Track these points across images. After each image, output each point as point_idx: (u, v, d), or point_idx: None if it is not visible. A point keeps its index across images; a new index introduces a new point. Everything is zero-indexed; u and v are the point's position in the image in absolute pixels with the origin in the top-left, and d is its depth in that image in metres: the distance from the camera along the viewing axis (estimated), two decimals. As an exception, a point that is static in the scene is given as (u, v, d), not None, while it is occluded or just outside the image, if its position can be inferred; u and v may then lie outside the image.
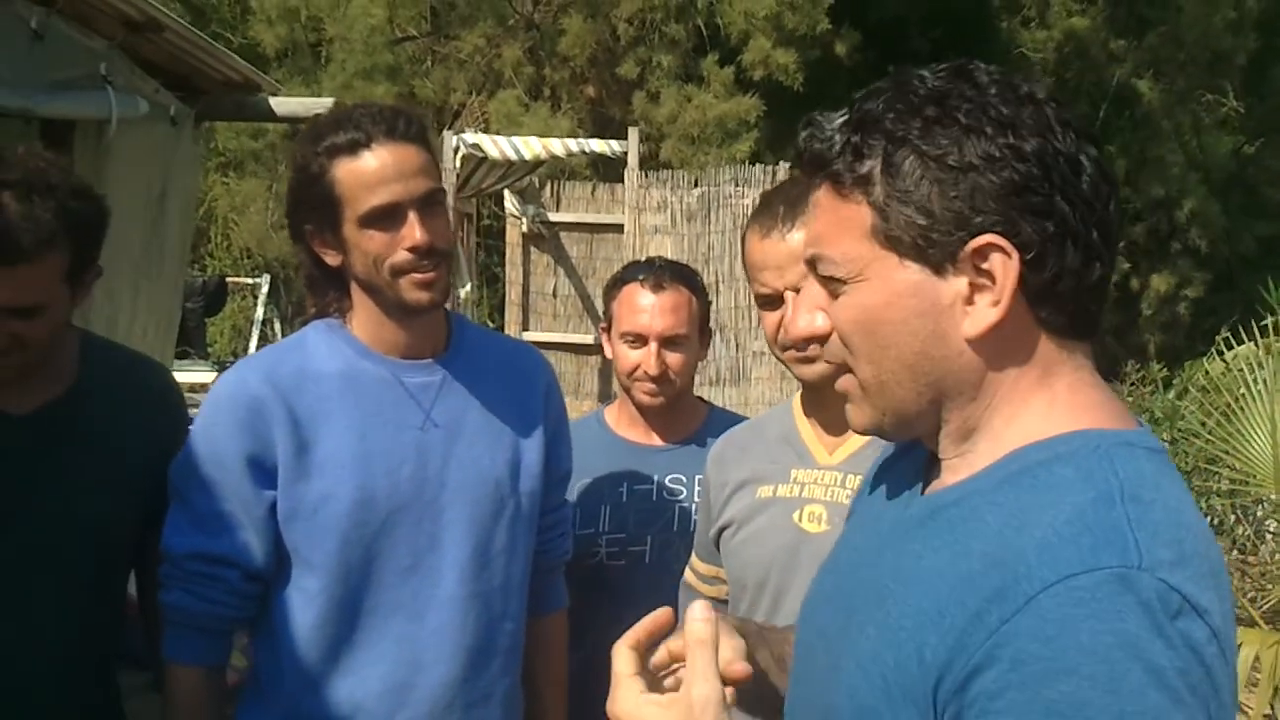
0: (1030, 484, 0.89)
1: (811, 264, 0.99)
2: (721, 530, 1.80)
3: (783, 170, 6.78)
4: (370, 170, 1.64)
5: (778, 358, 1.74)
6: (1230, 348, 7.51)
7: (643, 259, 2.35)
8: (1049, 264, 0.89)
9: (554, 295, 7.44)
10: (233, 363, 10.70)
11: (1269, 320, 7.55)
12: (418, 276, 1.66)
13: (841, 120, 0.95)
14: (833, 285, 0.97)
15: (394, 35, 11.58)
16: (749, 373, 6.72)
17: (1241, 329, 7.05)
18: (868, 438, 1.67)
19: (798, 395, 1.82)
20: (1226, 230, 13.06)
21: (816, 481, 1.70)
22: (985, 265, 0.90)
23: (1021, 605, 0.82)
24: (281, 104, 4.73)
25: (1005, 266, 0.89)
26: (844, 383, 1.00)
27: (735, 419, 2.37)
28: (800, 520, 1.69)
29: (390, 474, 1.70)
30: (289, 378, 1.71)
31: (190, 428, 1.79)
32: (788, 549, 1.68)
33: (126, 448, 1.82)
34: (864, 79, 12.45)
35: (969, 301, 0.91)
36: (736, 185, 6.79)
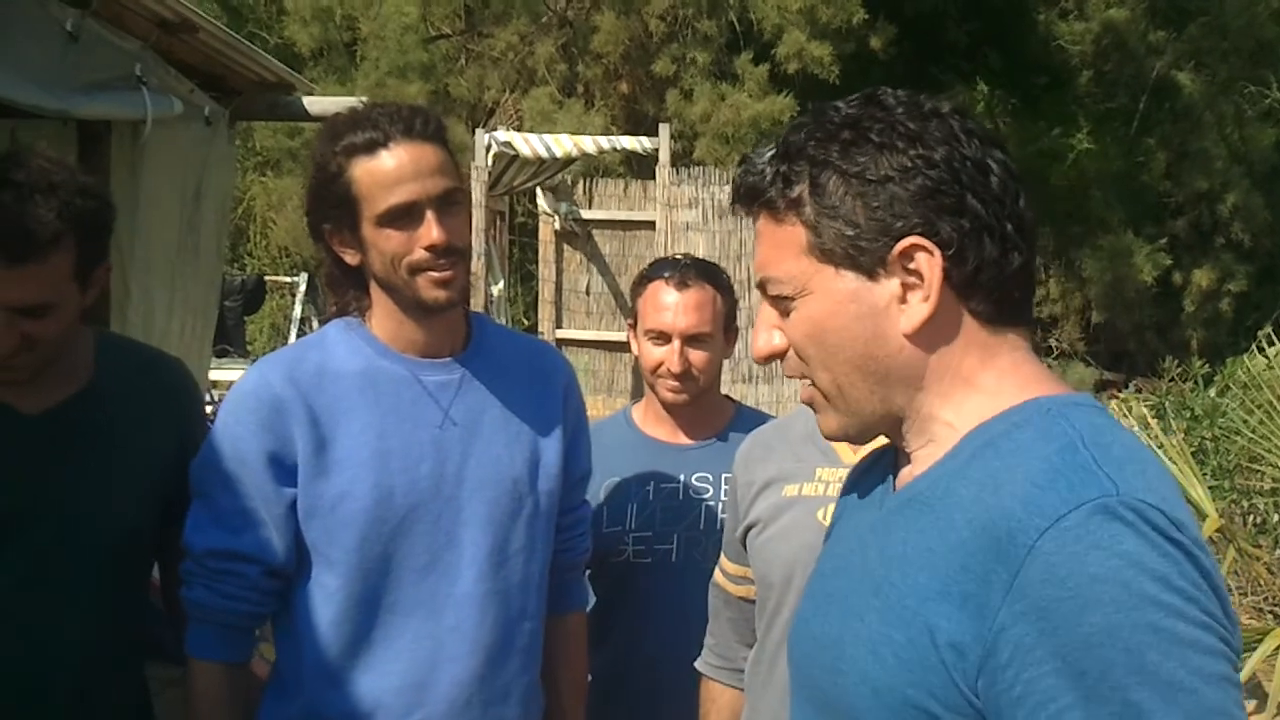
0: (994, 453, 0.97)
1: (762, 287, 1.09)
2: (748, 529, 1.80)
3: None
4: (388, 169, 1.65)
5: None
6: (1272, 344, 7.39)
7: (671, 255, 2.35)
8: (969, 257, 0.99)
9: (587, 293, 7.44)
10: (270, 361, 10.75)
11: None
12: (435, 275, 1.67)
13: (770, 154, 1.06)
14: (782, 304, 1.06)
15: (428, 33, 11.63)
16: (773, 368, 6.68)
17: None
18: None
19: None
20: (1270, 224, 12.85)
21: (841, 480, 1.69)
22: (912, 265, 1.00)
23: (1024, 556, 0.88)
24: (315, 103, 4.75)
25: (929, 264, 0.99)
26: (806, 393, 1.09)
27: (762, 417, 2.36)
28: (825, 518, 1.68)
29: (408, 472, 1.71)
30: (309, 376, 1.72)
31: (210, 424, 1.80)
32: (813, 547, 1.66)
33: (143, 445, 1.83)
34: (899, 73, 12.39)
35: (903, 300, 1.01)
36: (769, 181, 6.74)
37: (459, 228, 1.69)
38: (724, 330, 2.23)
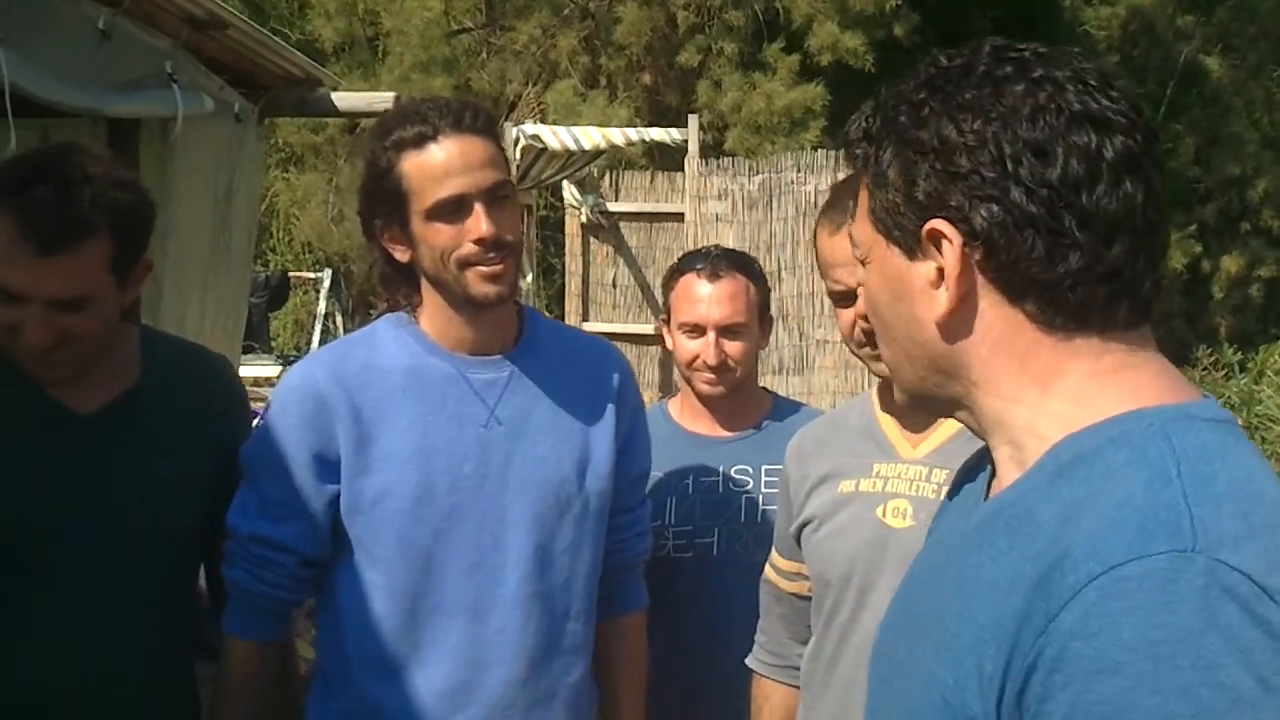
0: (1085, 474, 0.85)
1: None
2: (803, 526, 1.78)
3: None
4: (437, 163, 1.65)
5: (855, 354, 1.71)
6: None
7: (701, 248, 2.33)
8: (1006, 252, 0.88)
9: (613, 285, 7.43)
10: (296, 356, 10.83)
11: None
12: (484, 269, 1.66)
13: (867, 109, 0.99)
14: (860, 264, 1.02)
15: (450, 28, 11.62)
16: (813, 361, 6.66)
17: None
18: (953, 430, 1.66)
19: (875, 389, 1.79)
20: (1301, 210, 12.71)
21: (900, 476, 1.68)
22: (939, 250, 0.91)
23: (1066, 600, 0.78)
24: (344, 99, 4.76)
25: (950, 252, 0.90)
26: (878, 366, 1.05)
27: (799, 407, 2.35)
28: (884, 515, 1.66)
29: (451, 470, 1.70)
30: (355, 373, 1.73)
31: (255, 418, 1.81)
32: (872, 545, 1.66)
33: (193, 441, 1.84)
34: (924, 61, 12.34)
35: (935, 286, 0.93)
36: (799, 171, 6.71)
37: (509, 221, 1.68)
38: (759, 320, 2.22)
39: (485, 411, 1.74)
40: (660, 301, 2.34)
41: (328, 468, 1.71)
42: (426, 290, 1.75)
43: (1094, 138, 0.87)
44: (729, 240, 6.59)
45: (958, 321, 0.92)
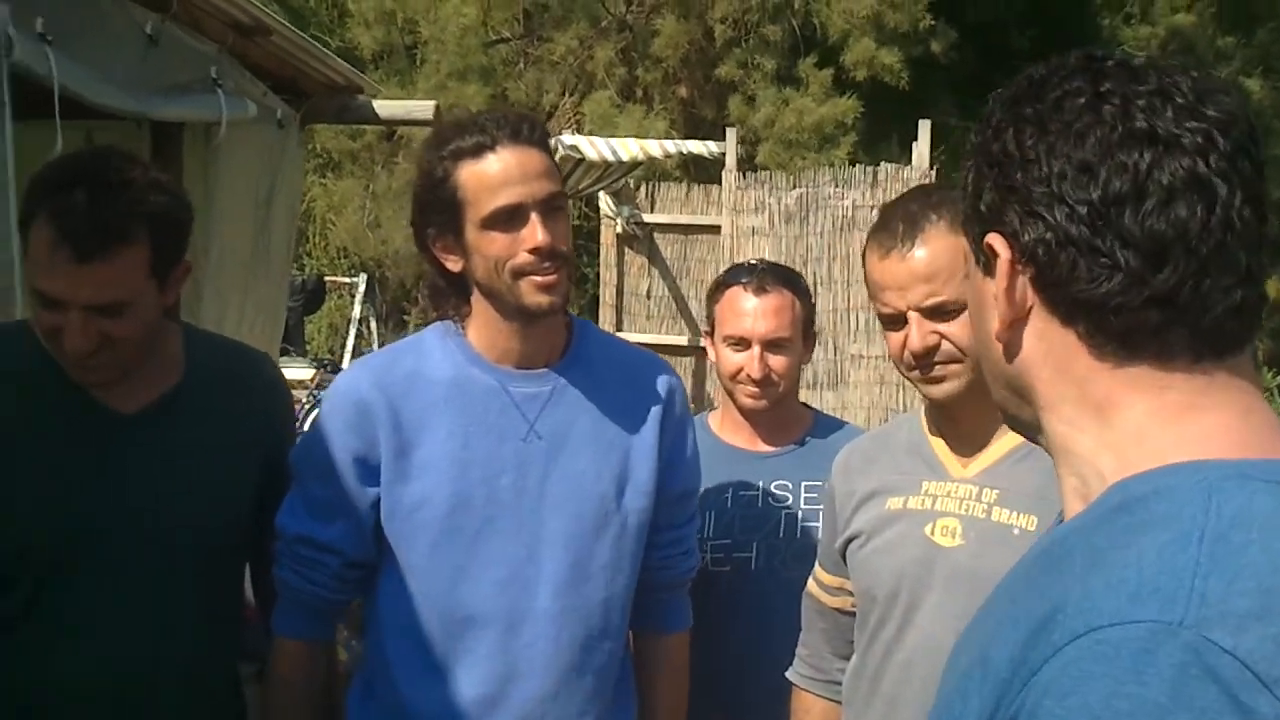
0: (1125, 524, 0.80)
1: None
2: (849, 541, 1.77)
3: (883, 171, 6.66)
4: (494, 172, 1.66)
5: (905, 376, 1.70)
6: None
7: (745, 261, 2.33)
8: (1054, 274, 0.86)
9: (648, 296, 7.43)
10: (330, 360, 10.84)
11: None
12: (538, 279, 1.67)
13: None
14: None
15: (487, 37, 11.69)
16: (847, 376, 6.63)
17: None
18: (1004, 451, 1.65)
19: (924, 409, 1.78)
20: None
21: (950, 495, 1.66)
22: (988, 265, 0.90)
23: (1049, 656, 0.75)
24: (384, 107, 4.80)
25: (1001, 268, 0.89)
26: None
27: (841, 425, 2.34)
28: (933, 534, 1.65)
29: (488, 482, 1.71)
30: (399, 380, 1.74)
31: (296, 415, 1.82)
32: (920, 562, 1.64)
33: (236, 440, 1.85)
34: (960, 78, 12.22)
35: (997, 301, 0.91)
36: (836, 186, 6.68)
37: (562, 232, 1.70)
38: (803, 336, 2.21)
39: (525, 425, 1.74)
40: (704, 313, 2.33)
41: (370, 472, 1.73)
42: (477, 301, 1.75)
43: (1146, 157, 0.83)
44: (765, 254, 6.57)
45: (1015, 340, 0.90)
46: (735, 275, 2.23)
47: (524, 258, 1.66)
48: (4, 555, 1.71)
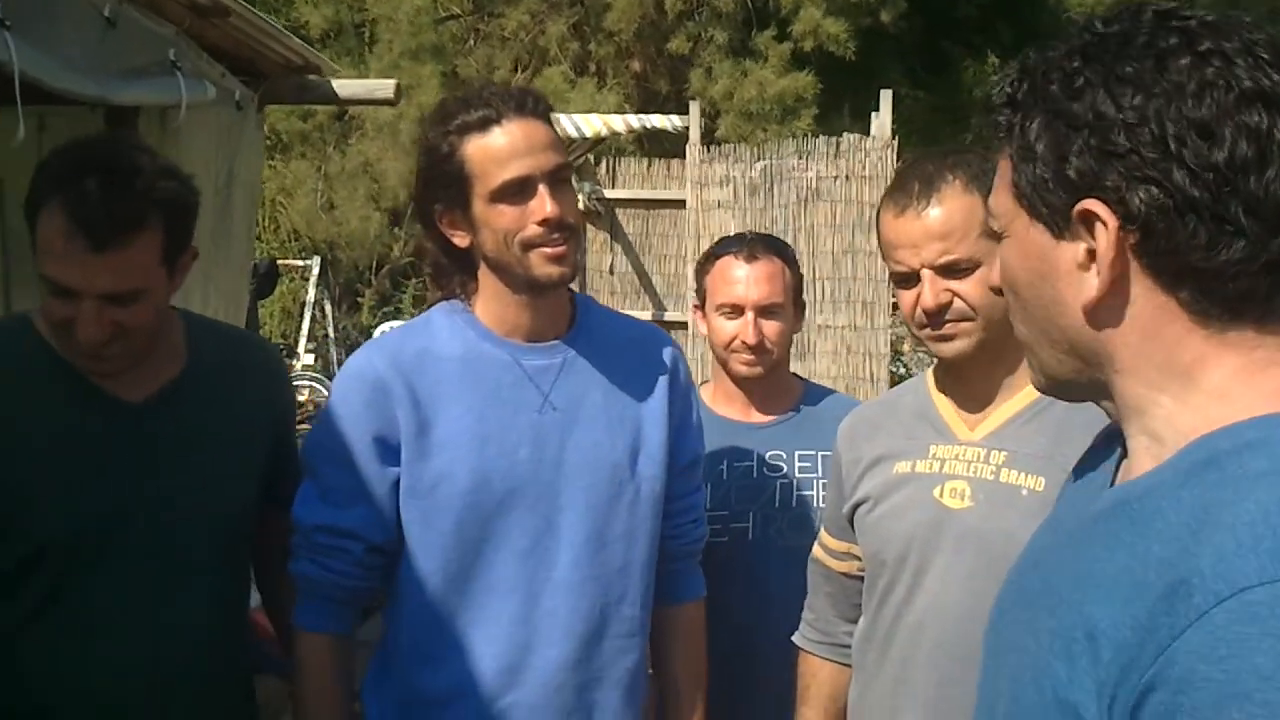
0: (1217, 479, 0.81)
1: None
2: (856, 506, 1.78)
3: (846, 142, 6.69)
4: (501, 145, 1.66)
5: (915, 336, 1.72)
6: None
7: (736, 234, 2.34)
8: (1164, 238, 0.83)
9: (610, 272, 7.42)
10: (284, 345, 10.70)
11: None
12: (548, 251, 1.67)
13: (1011, 72, 0.93)
14: (999, 239, 0.96)
15: (438, 14, 11.57)
16: (813, 347, 6.68)
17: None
18: (1012, 413, 1.67)
19: (930, 372, 1.80)
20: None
21: (958, 457, 1.68)
22: (1090, 232, 0.86)
23: (1192, 621, 0.75)
24: (344, 86, 4.73)
25: (1103, 236, 0.85)
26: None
27: (828, 392, 2.37)
28: (941, 496, 1.67)
29: (506, 456, 1.71)
30: (411, 359, 1.74)
31: (295, 399, 1.81)
32: (929, 525, 1.66)
33: (242, 425, 1.84)
34: (910, 47, 12.24)
35: (1085, 269, 0.88)
36: (800, 158, 6.71)
37: (570, 204, 1.70)
38: (793, 303, 2.23)
39: (539, 397, 1.74)
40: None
41: (389, 451, 1.72)
42: (484, 276, 1.75)
43: (1264, 117, 0.82)
44: (730, 227, 6.59)
45: (1107, 307, 0.87)
46: (725, 246, 2.25)
47: (533, 229, 1.66)
48: (23, 554, 1.68)
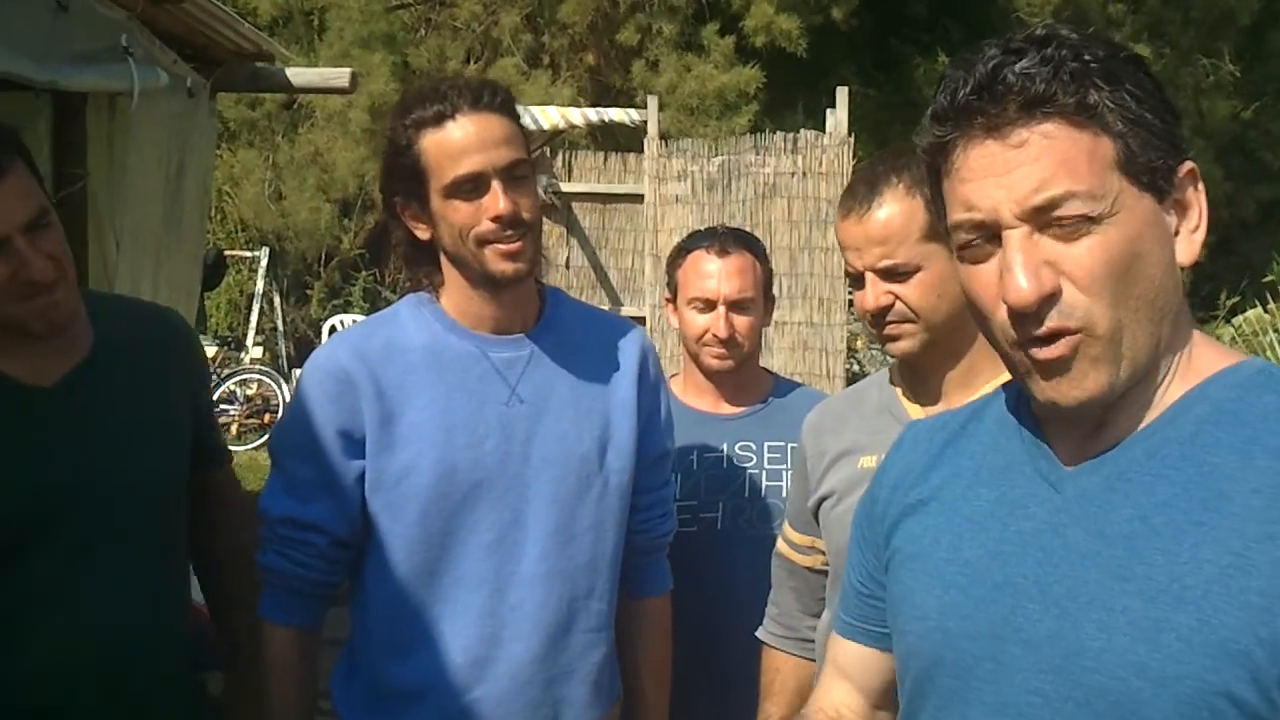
0: (1244, 416, 0.92)
1: (1046, 208, 0.92)
2: (821, 501, 1.79)
3: (803, 138, 6.72)
4: (454, 141, 1.65)
5: (874, 332, 1.73)
6: (1237, 313, 7.50)
7: (707, 228, 2.34)
8: None
9: (567, 266, 7.40)
10: (232, 337, 10.52)
11: (1270, 280, 7.51)
12: (502, 247, 1.67)
13: (1037, 60, 0.93)
14: (1078, 225, 0.92)
15: (389, 3, 11.45)
16: (770, 342, 6.69)
17: (1243, 294, 7.02)
18: None
19: (890, 368, 1.81)
20: (1228, 195, 13.05)
21: None
22: (1190, 189, 0.95)
23: None
24: (299, 74, 4.67)
25: (1200, 193, 0.96)
26: (1066, 345, 0.93)
27: (795, 385, 2.39)
28: None
29: (473, 448, 1.70)
30: (377, 351, 1.73)
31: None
32: None
33: (160, 399, 1.83)
34: (861, 45, 12.29)
35: (1195, 229, 0.96)
36: (757, 153, 6.74)
37: (527, 200, 1.69)
38: (764, 297, 2.24)
39: (507, 389, 1.74)
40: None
41: (354, 444, 1.71)
42: (447, 268, 1.75)
43: None
44: (688, 221, 6.59)
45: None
46: (696, 240, 2.26)
47: (487, 226, 1.66)
48: None
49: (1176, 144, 0.93)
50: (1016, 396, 1.07)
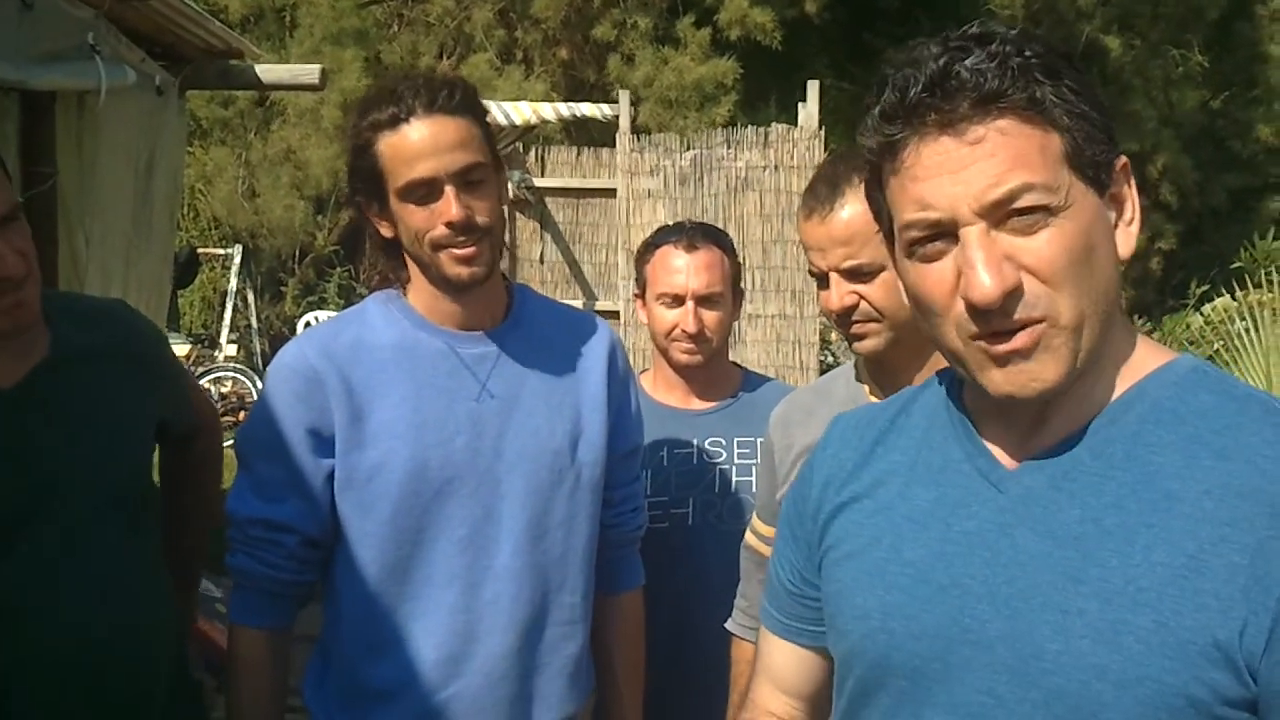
0: (1181, 415, 0.93)
1: (1004, 202, 0.92)
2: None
3: (775, 132, 6.73)
4: (408, 145, 1.64)
5: (841, 333, 1.74)
6: (1206, 301, 7.55)
7: (675, 223, 2.35)
8: None
9: (541, 261, 7.39)
10: (205, 335, 10.44)
11: (1238, 267, 7.56)
12: (456, 252, 1.66)
13: (984, 56, 0.92)
14: (1035, 218, 0.91)
15: (361, -1, 11.39)
16: (743, 335, 6.72)
17: (1213, 282, 7.03)
18: None
19: (855, 363, 1.82)
20: (1198, 184, 13.15)
21: None
22: (1124, 184, 0.96)
23: None
24: (268, 71, 4.65)
25: (1132, 187, 0.96)
26: (1028, 336, 0.92)
27: (765, 379, 2.39)
28: None
29: (444, 444, 1.70)
30: (345, 348, 1.72)
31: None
32: None
33: (119, 396, 1.82)
34: (834, 38, 12.31)
35: (1128, 223, 0.96)
36: (729, 147, 6.75)
37: (483, 204, 1.67)
38: (732, 292, 2.25)
39: (477, 385, 1.73)
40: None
41: (323, 443, 1.70)
42: (412, 267, 1.75)
43: None
44: (660, 216, 6.59)
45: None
46: (665, 236, 2.26)
47: (440, 231, 1.65)
48: None
49: (1113, 138, 0.93)
50: (946, 393, 1.07)
